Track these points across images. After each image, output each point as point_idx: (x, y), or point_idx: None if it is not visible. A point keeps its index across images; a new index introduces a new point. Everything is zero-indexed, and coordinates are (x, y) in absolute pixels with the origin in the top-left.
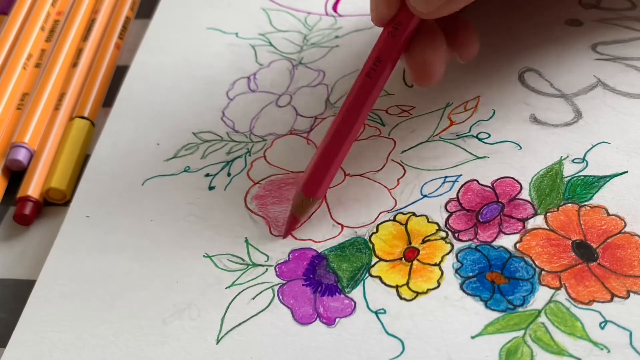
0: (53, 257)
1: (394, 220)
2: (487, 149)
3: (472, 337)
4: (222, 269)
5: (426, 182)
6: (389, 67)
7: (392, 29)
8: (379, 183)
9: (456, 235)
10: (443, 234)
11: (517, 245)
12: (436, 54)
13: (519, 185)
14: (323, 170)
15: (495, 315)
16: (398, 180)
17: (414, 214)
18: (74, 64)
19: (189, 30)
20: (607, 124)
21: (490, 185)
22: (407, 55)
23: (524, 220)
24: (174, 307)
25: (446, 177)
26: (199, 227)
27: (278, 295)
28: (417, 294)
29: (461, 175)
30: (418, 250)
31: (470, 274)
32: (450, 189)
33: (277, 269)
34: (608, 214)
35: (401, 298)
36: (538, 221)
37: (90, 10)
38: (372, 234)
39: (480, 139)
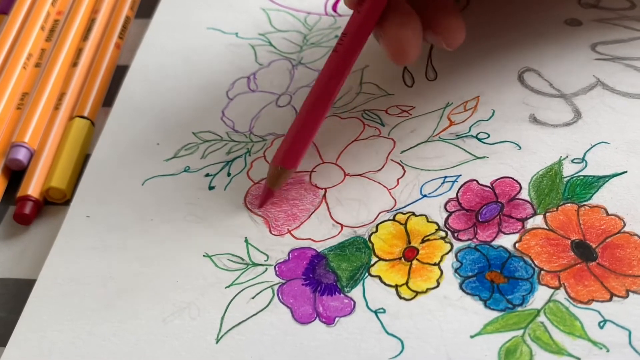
0: (53, 256)
1: (394, 220)
2: (486, 149)
3: (472, 337)
4: (221, 268)
5: (426, 182)
6: (355, 40)
7: (358, 5)
8: (379, 183)
9: (455, 234)
10: (442, 234)
11: (517, 244)
12: (408, 31)
13: (518, 185)
14: (291, 141)
15: (494, 314)
16: (398, 180)
17: (413, 213)
18: (74, 64)
19: (189, 30)
20: (607, 124)
21: (489, 185)
22: (382, 34)
23: (523, 220)
24: (174, 307)
25: (446, 177)
26: (199, 227)
27: (278, 294)
28: (417, 293)
29: (461, 175)
30: (417, 250)
31: (470, 274)
32: (449, 189)
33: (276, 269)
34: (607, 214)
35: (400, 297)
36: (537, 221)
37: (90, 10)
38: (371, 234)
39: (479, 139)
